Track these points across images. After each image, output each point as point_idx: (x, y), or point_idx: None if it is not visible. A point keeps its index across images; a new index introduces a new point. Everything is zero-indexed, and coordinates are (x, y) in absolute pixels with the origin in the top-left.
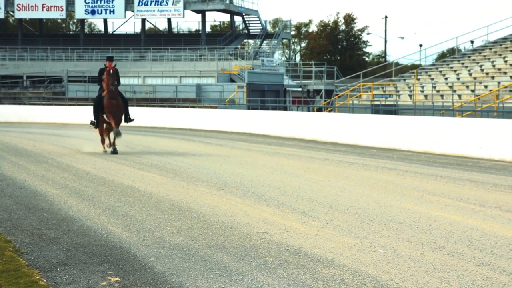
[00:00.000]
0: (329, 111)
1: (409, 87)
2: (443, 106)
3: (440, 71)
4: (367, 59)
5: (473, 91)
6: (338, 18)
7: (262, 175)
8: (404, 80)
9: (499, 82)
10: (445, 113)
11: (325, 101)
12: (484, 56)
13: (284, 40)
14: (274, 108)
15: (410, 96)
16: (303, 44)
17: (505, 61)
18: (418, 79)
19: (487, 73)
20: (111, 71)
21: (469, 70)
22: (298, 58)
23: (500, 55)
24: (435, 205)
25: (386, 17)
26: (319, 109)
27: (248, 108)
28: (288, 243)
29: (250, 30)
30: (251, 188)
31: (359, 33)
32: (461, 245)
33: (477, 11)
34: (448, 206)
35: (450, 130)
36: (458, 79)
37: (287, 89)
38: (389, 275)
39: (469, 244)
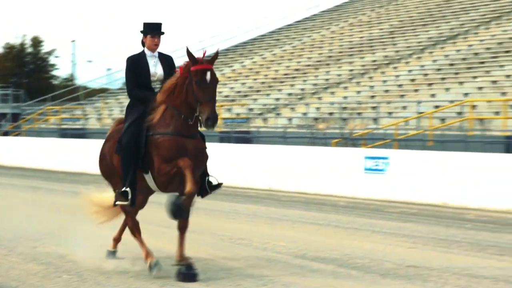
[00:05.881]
0: (16, 135)
1: (97, 111)
2: None
3: None
4: (55, 82)
5: None
6: (25, 40)
7: None
8: (93, 103)
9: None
10: None
11: (11, 125)
12: None
13: None
14: None
15: (99, 119)
16: None
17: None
18: (107, 103)
19: None
20: (208, 73)
21: None
22: None
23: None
24: None
25: (73, 40)
26: (5, 133)
27: None
28: None
29: None
30: None
31: (47, 56)
32: None
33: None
34: None
35: None
36: None
37: None
38: None
39: None
